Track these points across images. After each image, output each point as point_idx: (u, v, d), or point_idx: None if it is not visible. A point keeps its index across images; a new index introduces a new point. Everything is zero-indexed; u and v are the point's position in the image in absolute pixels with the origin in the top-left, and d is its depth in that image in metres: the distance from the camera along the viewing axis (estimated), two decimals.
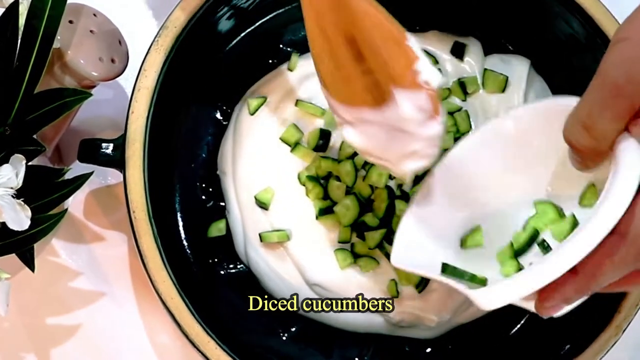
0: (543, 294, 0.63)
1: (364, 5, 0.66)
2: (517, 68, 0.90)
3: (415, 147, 0.69)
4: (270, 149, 0.87)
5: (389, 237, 0.85)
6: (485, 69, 0.90)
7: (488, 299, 0.63)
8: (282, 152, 0.87)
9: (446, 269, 0.70)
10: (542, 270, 0.61)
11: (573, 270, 0.60)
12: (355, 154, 0.85)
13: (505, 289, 0.63)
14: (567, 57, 0.88)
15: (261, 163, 0.86)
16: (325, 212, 0.85)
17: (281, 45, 0.91)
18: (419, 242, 0.73)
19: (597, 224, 0.59)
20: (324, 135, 0.86)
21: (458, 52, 0.90)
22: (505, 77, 0.89)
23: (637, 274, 0.61)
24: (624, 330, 0.79)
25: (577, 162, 0.63)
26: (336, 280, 0.85)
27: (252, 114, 0.87)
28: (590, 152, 0.61)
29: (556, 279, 0.60)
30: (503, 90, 0.89)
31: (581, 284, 0.61)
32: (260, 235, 0.85)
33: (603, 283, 0.61)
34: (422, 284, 0.84)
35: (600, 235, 0.59)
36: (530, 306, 0.66)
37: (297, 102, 0.87)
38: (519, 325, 0.88)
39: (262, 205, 0.86)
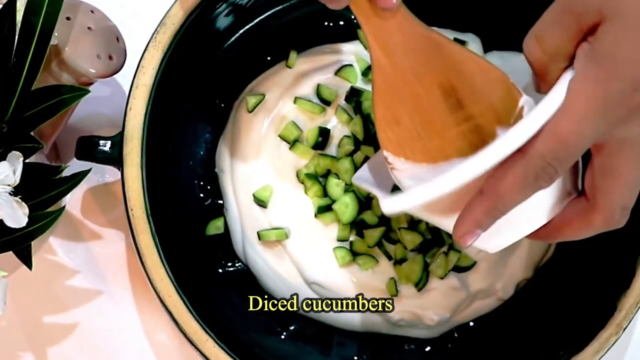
0: (457, 222, 0.63)
1: (459, 48, 0.67)
2: (518, 65, 0.90)
3: None
4: (269, 147, 0.87)
5: (388, 236, 0.85)
6: None
7: (389, 204, 0.64)
8: (281, 149, 0.87)
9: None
10: (442, 180, 0.60)
11: (479, 191, 0.61)
12: (354, 151, 0.86)
13: (408, 196, 0.63)
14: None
15: (260, 161, 0.86)
16: (324, 210, 0.85)
17: (280, 43, 0.91)
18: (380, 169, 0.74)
19: (502, 141, 0.59)
20: (323, 133, 0.86)
21: None
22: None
23: (574, 218, 0.64)
24: (625, 329, 0.79)
25: (534, 83, 0.64)
26: (335, 278, 0.85)
27: (250, 112, 0.87)
28: (541, 68, 0.62)
29: (454, 189, 0.60)
30: None
31: (488, 203, 0.61)
32: (258, 233, 0.85)
33: (509, 203, 0.61)
34: (422, 282, 0.84)
35: (502, 152, 0.59)
36: (443, 224, 0.67)
37: (296, 100, 0.87)
38: (519, 324, 0.88)
39: (261, 203, 0.86)
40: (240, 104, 0.89)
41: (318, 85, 0.88)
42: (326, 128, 0.87)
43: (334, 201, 0.85)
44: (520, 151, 0.60)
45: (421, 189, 0.62)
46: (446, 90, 0.66)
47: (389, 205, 0.64)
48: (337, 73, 0.88)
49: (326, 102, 0.88)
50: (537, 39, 0.62)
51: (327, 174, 0.86)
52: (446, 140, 0.67)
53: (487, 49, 0.91)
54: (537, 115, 0.59)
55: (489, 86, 0.66)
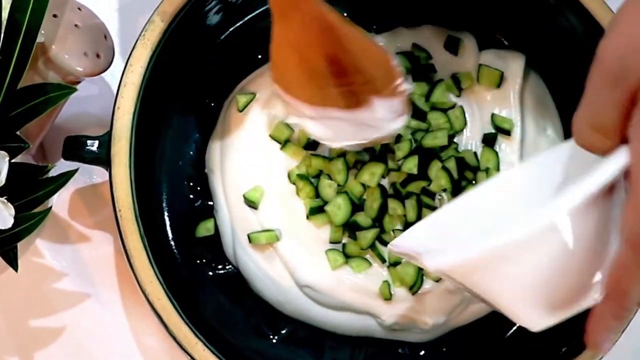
0: (589, 332, 0.62)
1: (352, 31, 0.73)
2: (513, 63, 0.90)
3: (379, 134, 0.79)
4: (260, 147, 0.87)
5: (381, 238, 0.85)
6: (480, 64, 0.90)
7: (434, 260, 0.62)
8: (272, 149, 0.87)
9: None
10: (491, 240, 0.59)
11: (604, 296, 0.60)
12: (346, 151, 0.86)
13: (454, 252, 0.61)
14: (563, 51, 0.89)
15: (250, 161, 0.86)
16: (316, 211, 0.85)
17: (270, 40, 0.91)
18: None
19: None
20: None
21: (452, 47, 0.90)
22: (501, 72, 0.89)
23: None
24: (623, 332, 0.79)
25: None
26: (327, 281, 0.85)
27: (241, 111, 0.87)
28: (608, 150, 0.59)
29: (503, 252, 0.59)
30: (498, 86, 0.89)
31: (613, 306, 0.60)
32: (248, 236, 0.85)
33: (634, 296, 0.59)
34: (416, 286, 0.84)
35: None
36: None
37: None
38: (515, 328, 0.88)
39: (251, 205, 0.85)
40: (231, 103, 0.89)
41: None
42: None
43: (326, 202, 0.85)
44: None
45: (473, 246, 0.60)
46: (332, 60, 0.74)
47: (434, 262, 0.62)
48: None
49: None
50: (595, 128, 0.59)
51: (319, 174, 0.86)
52: (326, 95, 0.76)
53: (482, 47, 0.91)
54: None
55: (371, 65, 0.75)
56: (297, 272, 0.85)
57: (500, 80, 0.89)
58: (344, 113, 0.76)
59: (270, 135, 0.87)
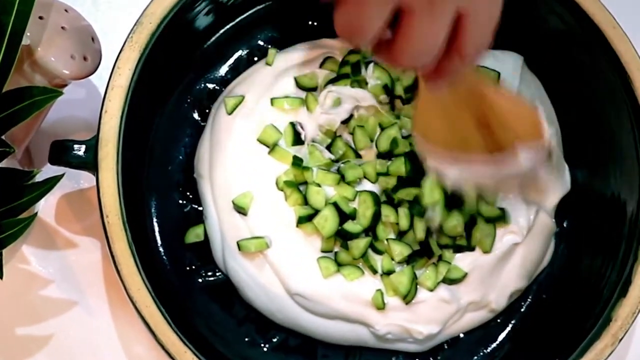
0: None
1: (500, 92, 0.73)
2: (509, 64, 0.90)
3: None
4: (249, 150, 0.86)
5: (374, 246, 0.85)
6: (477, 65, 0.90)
7: None
8: (261, 153, 0.86)
9: None
10: None
11: None
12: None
13: None
14: (559, 52, 0.89)
15: (239, 165, 0.86)
16: (305, 220, 0.85)
17: (260, 42, 0.91)
18: None
19: None
20: (297, 130, 0.87)
21: None
22: (497, 73, 0.89)
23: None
24: (621, 340, 0.79)
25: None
26: (319, 289, 0.84)
27: (229, 114, 0.87)
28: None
29: None
30: None
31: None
32: (238, 243, 0.85)
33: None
34: (410, 295, 0.84)
35: None
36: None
37: (273, 101, 0.87)
38: (509, 335, 0.88)
39: (241, 210, 0.85)
40: (219, 107, 0.89)
41: (295, 78, 0.88)
42: (298, 123, 0.87)
43: (316, 210, 0.84)
44: None
45: None
46: (478, 117, 0.72)
47: None
48: (321, 66, 0.89)
49: (308, 89, 0.88)
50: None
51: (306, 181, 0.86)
52: (468, 141, 0.74)
53: None
54: None
55: (516, 120, 0.73)
56: (287, 280, 0.84)
57: (497, 82, 0.89)
58: (485, 156, 0.74)
59: (258, 139, 0.86)
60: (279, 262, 0.85)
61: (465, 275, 0.85)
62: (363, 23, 0.55)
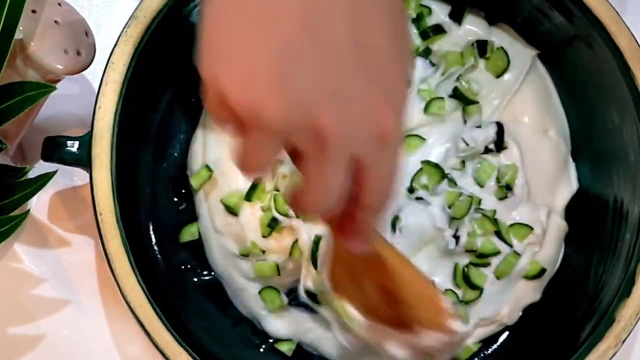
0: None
1: (401, 263, 0.70)
2: (522, 55, 0.90)
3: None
4: None
5: None
6: (497, 48, 0.90)
7: None
8: None
9: None
10: None
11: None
12: None
13: None
14: (562, 47, 0.89)
15: (231, 165, 0.86)
16: None
17: None
18: None
19: None
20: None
21: (457, 14, 0.90)
22: (507, 63, 0.90)
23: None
24: (624, 341, 0.79)
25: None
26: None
27: None
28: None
29: None
30: (499, 76, 0.90)
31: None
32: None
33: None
34: None
35: None
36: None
37: None
38: (510, 336, 0.88)
39: (231, 210, 0.85)
40: None
41: None
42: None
43: None
44: None
45: None
46: (382, 288, 0.71)
47: None
48: None
49: None
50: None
51: None
52: (378, 313, 0.73)
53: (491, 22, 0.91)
54: None
55: (416, 298, 0.71)
56: None
57: (504, 70, 0.89)
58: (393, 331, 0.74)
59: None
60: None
61: (480, 294, 0.86)
62: (256, 159, 0.55)
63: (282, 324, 0.86)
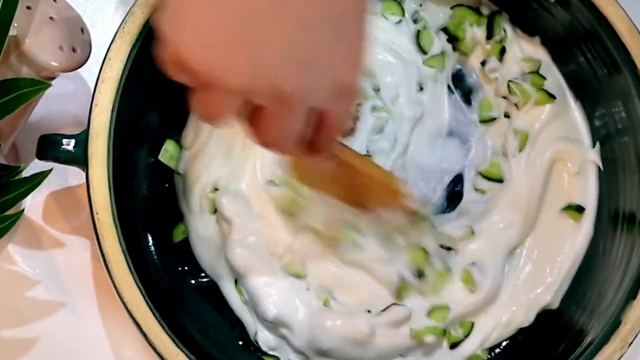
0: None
1: (364, 164, 0.79)
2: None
3: None
4: (231, 147, 0.87)
5: None
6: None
7: None
8: (234, 146, 0.87)
9: None
10: None
11: None
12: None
13: None
14: (568, 46, 0.90)
15: (210, 158, 0.86)
16: None
17: None
18: None
19: None
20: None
21: None
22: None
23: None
24: (630, 344, 0.79)
25: None
26: None
27: None
28: None
29: None
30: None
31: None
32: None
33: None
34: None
35: None
36: None
37: None
38: (513, 338, 0.88)
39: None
40: None
41: None
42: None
43: None
44: None
45: None
46: (346, 183, 0.79)
47: None
48: None
49: None
50: None
51: None
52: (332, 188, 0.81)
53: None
54: None
55: (379, 191, 0.81)
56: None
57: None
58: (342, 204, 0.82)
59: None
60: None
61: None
62: (215, 111, 0.59)
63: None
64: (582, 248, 0.88)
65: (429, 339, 0.83)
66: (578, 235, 0.88)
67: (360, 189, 0.80)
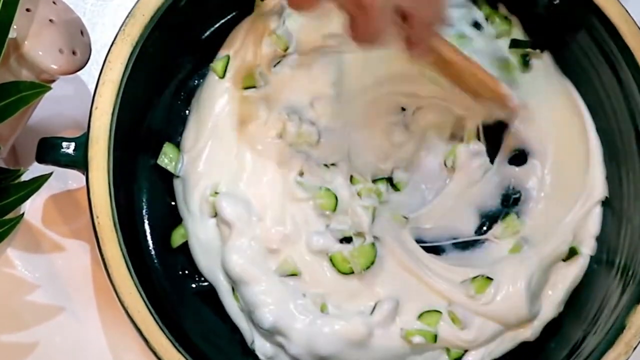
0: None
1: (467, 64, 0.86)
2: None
3: None
4: (229, 148, 0.87)
5: None
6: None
7: None
8: (241, 150, 0.87)
9: None
10: None
11: None
12: None
13: None
14: (559, 35, 0.90)
15: (209, 156, 0.87)
16: None
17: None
18: None
19: None
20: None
21: None
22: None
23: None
24: (635, 348, 0.79)
25: None
26: None
27: (221, 77, 0.87)
28: None
29: None
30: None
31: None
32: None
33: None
34: None
35: None
36: None
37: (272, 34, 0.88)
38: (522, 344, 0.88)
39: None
40: (201, 97, 0.89)
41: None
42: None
43: None
44: None
45: None
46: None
47: None
48: None
49: None
50: None
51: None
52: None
53: None
54: None
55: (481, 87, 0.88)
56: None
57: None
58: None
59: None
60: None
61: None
62: (376, 30, 0.71)
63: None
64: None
65: (417, 339, 0.83)
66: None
67: (462, 84, 0.88)
